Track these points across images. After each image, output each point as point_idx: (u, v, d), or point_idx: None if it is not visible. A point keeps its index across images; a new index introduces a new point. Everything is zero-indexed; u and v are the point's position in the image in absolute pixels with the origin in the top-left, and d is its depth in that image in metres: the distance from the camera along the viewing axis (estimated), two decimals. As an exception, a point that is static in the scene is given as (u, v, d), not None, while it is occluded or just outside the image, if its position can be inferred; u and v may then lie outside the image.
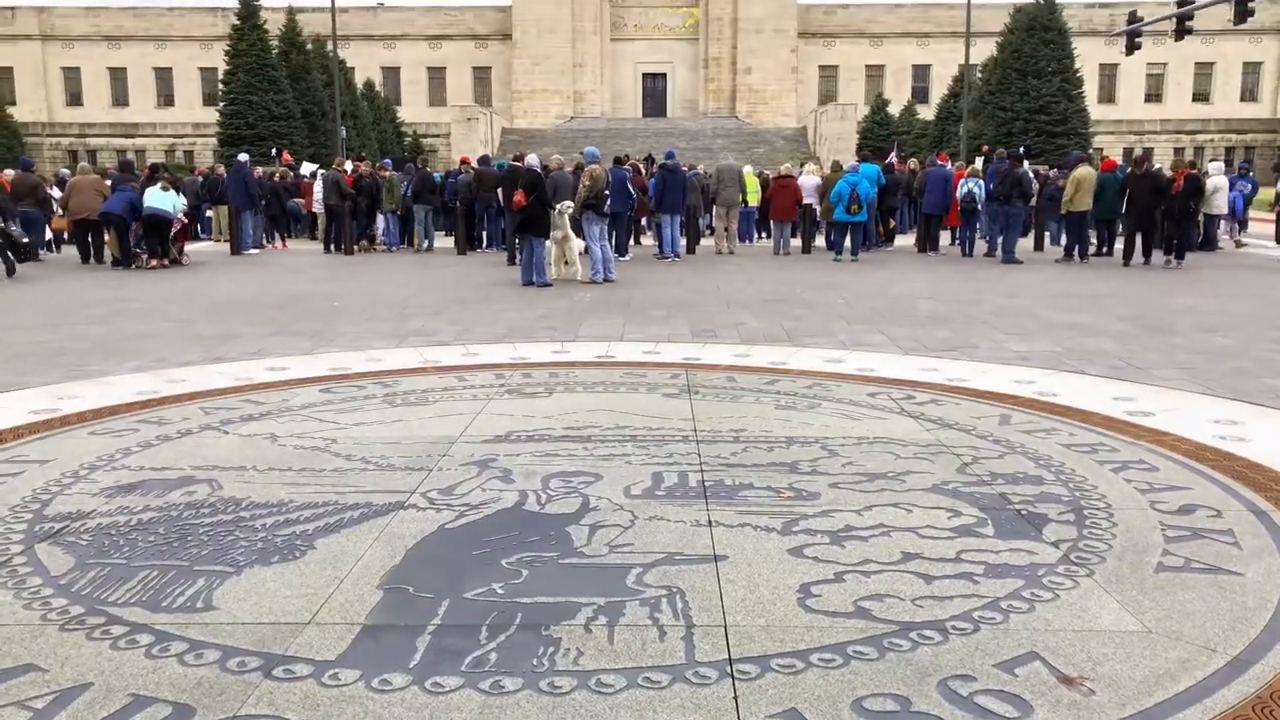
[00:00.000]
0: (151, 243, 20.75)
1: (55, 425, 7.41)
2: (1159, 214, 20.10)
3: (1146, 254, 20.14)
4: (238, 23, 53.87)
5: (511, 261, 20.53)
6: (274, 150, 43.69)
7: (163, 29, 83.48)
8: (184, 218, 21.64)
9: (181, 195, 22.04)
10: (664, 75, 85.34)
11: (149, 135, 78.27)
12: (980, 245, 23.63)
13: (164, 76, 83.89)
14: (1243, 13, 29.90)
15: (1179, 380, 9.07)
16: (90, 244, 22.16)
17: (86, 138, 78.49)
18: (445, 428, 7.19)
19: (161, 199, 20.40)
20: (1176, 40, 36.24)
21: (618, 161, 22.93)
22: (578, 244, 18.30)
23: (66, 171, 29.25)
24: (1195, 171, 21.24)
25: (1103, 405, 7.93)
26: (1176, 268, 19.45)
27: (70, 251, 24.03)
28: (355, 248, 24.63)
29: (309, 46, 57.39)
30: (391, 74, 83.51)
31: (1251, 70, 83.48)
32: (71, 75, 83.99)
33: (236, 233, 24.72)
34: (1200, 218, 22.13)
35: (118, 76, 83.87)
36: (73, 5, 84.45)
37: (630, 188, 21.77)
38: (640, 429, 7.12)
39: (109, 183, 22.46)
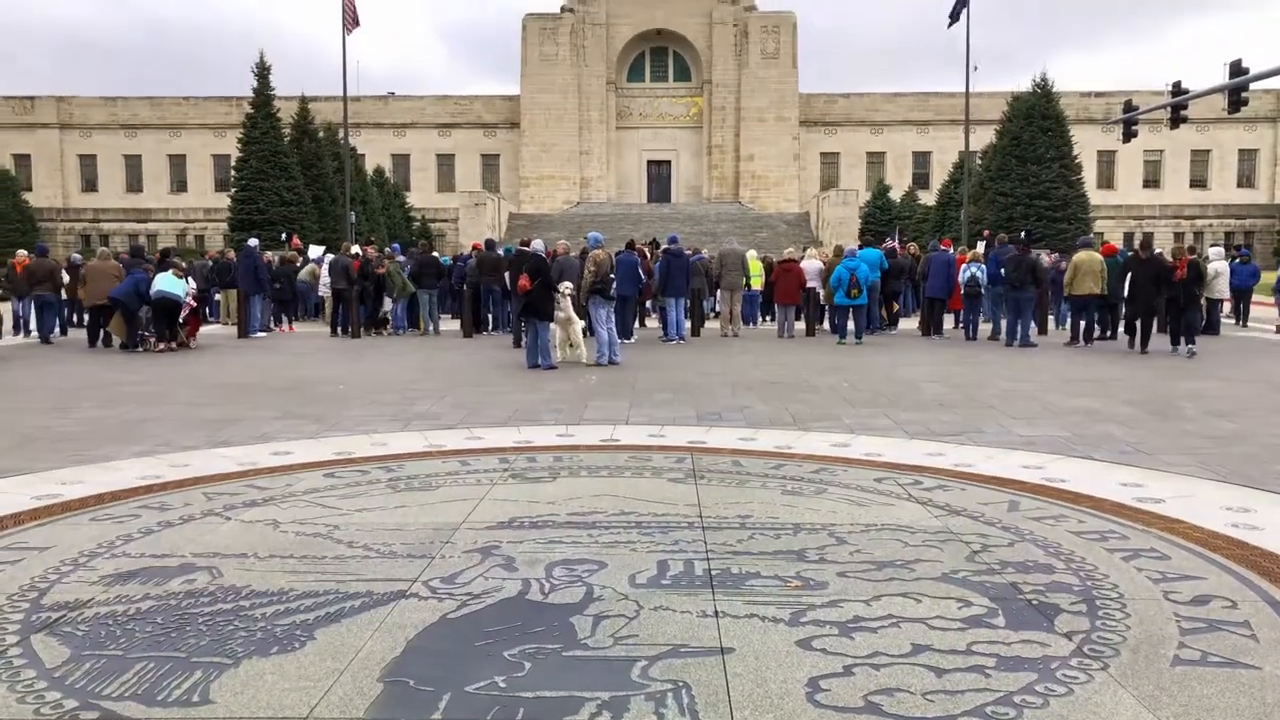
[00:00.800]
0: (160, 326, 20.91)
1: (57, 511, 7.36)
2: (1162, 301, 19.95)
3: (1145, 341, 19.61)
4: (251, 111, 54.99)
5: (517, 344, 20.63)
6: (284, 235, 44.26)
7: (178, 117, 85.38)
8: (192, 301, 21.85)
9: (190, 280, 22.31)
10: (668, 162, 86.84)
11: (161, 220, 79.50)
12: (984, 329, 23.73)
13: (178, 163, 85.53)
14: (1236, 102, 30.43)
15: (1188, 466, 9.00)
16: (101, 328, 22.35)
17: (100, 223, 79.74)
18: (448, 514, 7.12)
19: (172, 283, 20.63)
20: (1172, 128, 36.87)
21: (629, 246, 23.21)
22: (580, 324, 18.41)
23: (79, 256, 29.58)
24: (1196, 258, 21.05)
25: (1112, 491, 7.85)
26: (1192, 355, 18.85)
27: (79, 334, 24.21)
28: (362, 331, 24.78)
29: (321, 134, 58.51)
30: (401, 160, 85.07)
31: (1247, 157, 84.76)
32: (88, 162, 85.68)
33: (244, 316, 24.90)
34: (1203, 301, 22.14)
35: (132, 163, 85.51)
36: (91, 94, 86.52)
37: (639, 272, 22.00)
38: (645, 515, 7.05)
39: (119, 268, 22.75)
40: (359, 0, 47.12)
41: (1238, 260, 27.89)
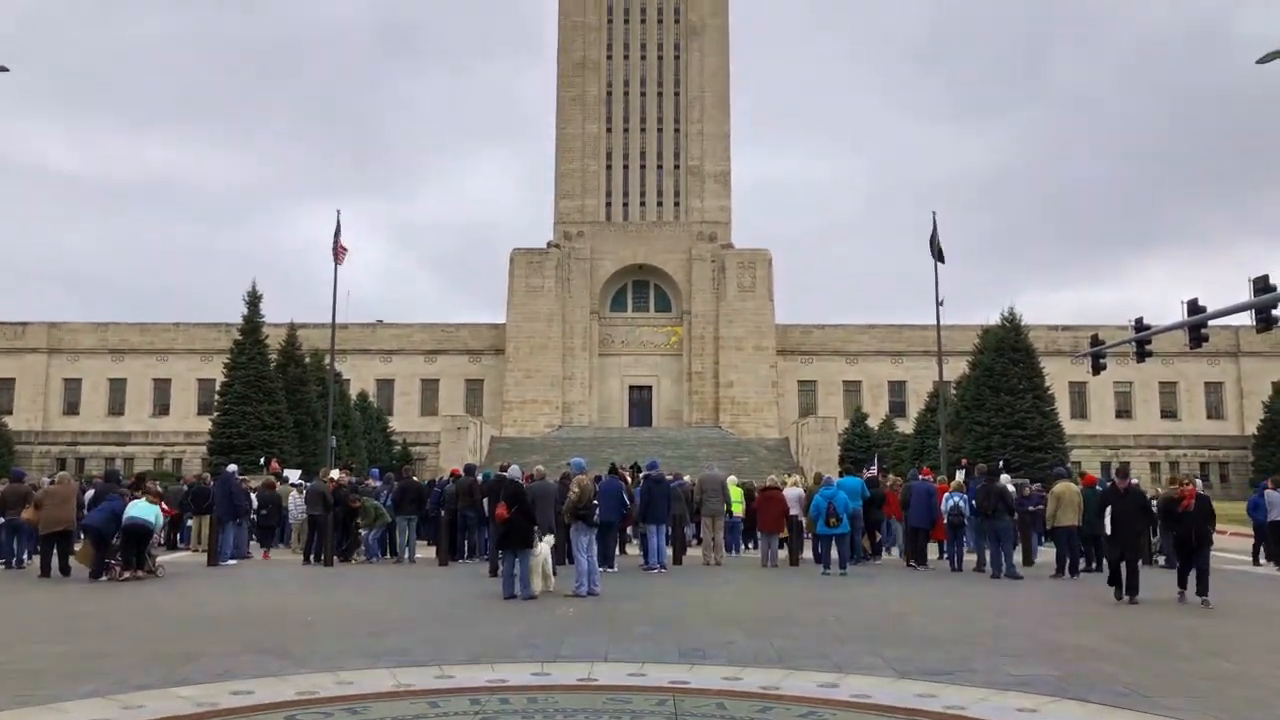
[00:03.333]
0: (129, 553, 20.35)
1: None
2: (1171, 540, 18.17)
3: (1134, 586, 16.71)
4: (240, 338, 56.12)
5: (494, 573, 20.11)
6: (263, 459, 44.09)
7: (166, 343, 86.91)
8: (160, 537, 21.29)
9: (163, 505, 21.90)
10: (649, 387, 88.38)
11: (141, 444, 79.28)
12: (969, 559, 23.43)
13: (162, 387, 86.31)
14: (1197, 338, 31.53)
15: (1188, 710, 8.63)
16: (57, 555, 21.32)
17: (78, 445, 79.42)
18: (414, 763, 6.67)
19: (145, 510, 20.27)
20: (1138, 362, 37.98)
21: (612, 471, 23.12)
22: (545, 551, 17.79)
23: (48, 479, 28.25)
24: (1204, 491, 18.33)
25: (1114, 738, 7.47)
26: (1206, 605, 16.07)
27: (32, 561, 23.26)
28: (335, 559, 24.19)
29: (307, 360, 59.53)
30: (386, 385, 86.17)
31: (1214, 389, 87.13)
32: (72, 386, 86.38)
33: (215, 543, 24.32)
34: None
35: (117, 387, 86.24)
36: (82, 320, 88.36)
37: (624, 497, 21.81)
38: (624, 765, 6.62)
39: (91, 492, 22.26)
40: (351, 233, 49.09)
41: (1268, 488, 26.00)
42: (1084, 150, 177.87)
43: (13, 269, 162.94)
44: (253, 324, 55.98)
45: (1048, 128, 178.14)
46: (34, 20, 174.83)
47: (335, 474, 27.75)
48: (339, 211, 47.49)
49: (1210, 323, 33.00)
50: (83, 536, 20.91)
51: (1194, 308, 31.90)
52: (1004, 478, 24.93)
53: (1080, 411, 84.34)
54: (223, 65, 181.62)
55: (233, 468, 27.61)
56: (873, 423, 73.52)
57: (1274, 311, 27.87)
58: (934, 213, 44.79)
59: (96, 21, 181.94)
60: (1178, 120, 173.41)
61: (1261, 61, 27.90)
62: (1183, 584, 16.85)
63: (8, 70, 34.75)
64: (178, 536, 28.95)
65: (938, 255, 45.01)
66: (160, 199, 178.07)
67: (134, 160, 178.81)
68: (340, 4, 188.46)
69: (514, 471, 18.48)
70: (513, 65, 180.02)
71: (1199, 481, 24.98)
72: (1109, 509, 17.24)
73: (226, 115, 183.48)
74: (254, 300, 56.52)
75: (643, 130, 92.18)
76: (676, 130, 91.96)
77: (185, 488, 29.52)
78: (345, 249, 48.00)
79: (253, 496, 27.11)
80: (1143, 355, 36.63)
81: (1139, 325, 36.36)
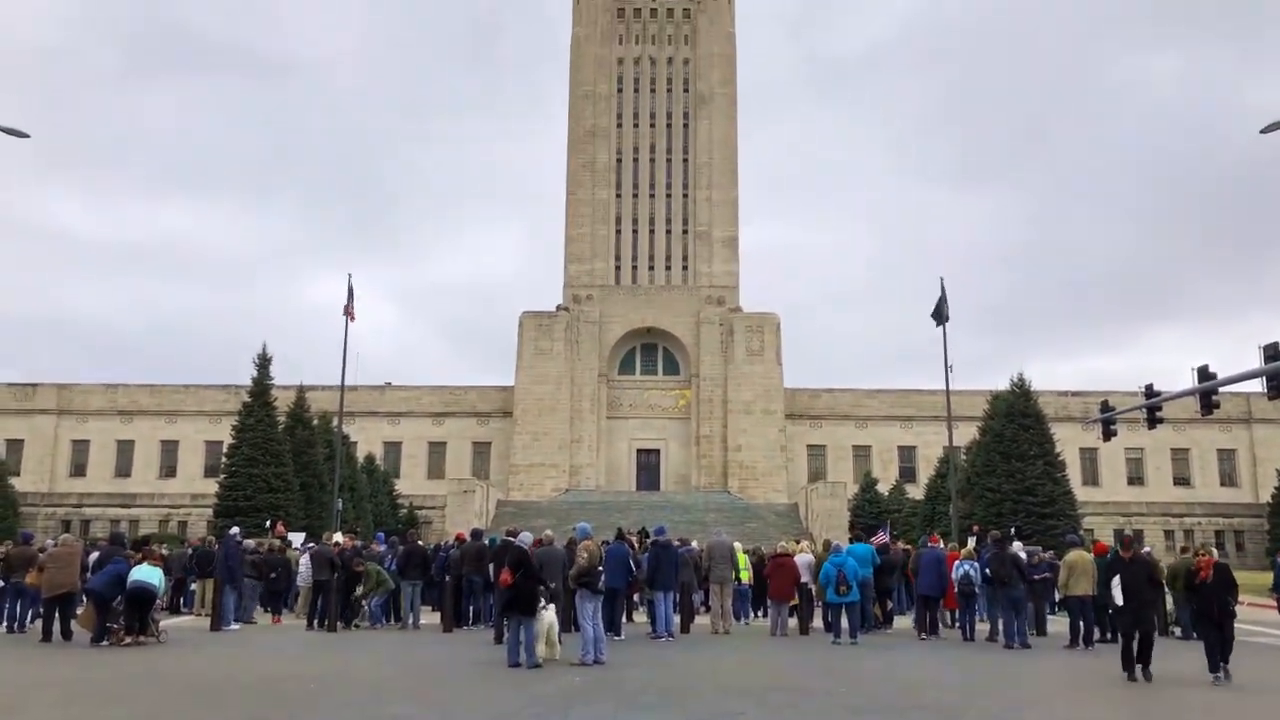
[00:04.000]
0: (132, 618, 20.14)
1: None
2: (1190, 612, 17.48)
3: (1146, 659, 15.99)
4: (249, 399, 56.18)
5: (499, 640, 19.84)
6: (268, 522, 43.87)
7: (175, 405, 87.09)
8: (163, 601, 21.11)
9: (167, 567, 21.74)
10: (657, 451, 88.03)
11: (146, 505, 79.08)
12: (981, 628, 23.05)
13: (169, 449, 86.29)
14: (1208, 405, 31.38)
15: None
16: (59, 619, 21.07)
17: (83, 507, 79.25)
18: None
19: (149, 574, 20.11)
20: (1149, 429, 37.77)
21: (619, 536, 22.90)
22: (551, 617, 17.57)
23: (51, 542, 27.99)
24: (1224, 560, 17.06)
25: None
26: (1225, 682, 15.35)
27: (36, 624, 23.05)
28: (339, 625, 23.92)
29: (315, 422, 59.50)
30: (393, 448, 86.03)
31: (1226, 456, 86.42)
32: (80, 447, 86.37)
33: (218, 607, 24.08)
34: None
35: (124, 449, 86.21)
36: (92, 382, 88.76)
37: (631, 563, 21.58)
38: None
39: (96, 555, 22.11)
40: (362, 297, 49.40)
41: None
42: (1091, 218, 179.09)
43: (27, 330, 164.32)
44: (262, 386, 56.05)
45: (1055, 197, 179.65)
46: (58, 87, 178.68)
47: (338, 538, 27.58)
48: (350, 275, 47.82)
49: (1221, 390, 32.86)
50: (85, 600, 20.71)
51: (1205, 374, 31.80)
52: (1015, 545, 24.66)
53: (1092, 478, 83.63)
54: (240, 132, 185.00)
55: (235, 530, 27.47)
56: (883, 488, 72.91)
57: (1285, 378, 27.74)
58: (941, 278, 44.99)
59: (117, 90, 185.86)
60: (1184, 189, 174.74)
61: (1265, 131, 28.18)
62: (1214, 665, 15.57)
63: (28, 136, 35.43)
64: (180, 600, 28.70)
65: (943, 317, 45.13)
66: (174, 262, 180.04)
67: (150, 224, 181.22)
68: (355, 75, 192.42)
69: (524, 538, 18.30)
70: (524, 133, 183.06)
71: (1215, 550, 24.77)
72: (1117, 578, 16.57)
73: (241, 181, 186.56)
74: (264, 363, 56.69)
75: (652, 196, 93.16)
76: (685, 196, 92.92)
77: (189, 551, 29.33)
78: (353, 309, 48.29)
79: (251, 559, 26.86)
80: (1154, 422, 36.43)
81: (1149, 392, 36.22)
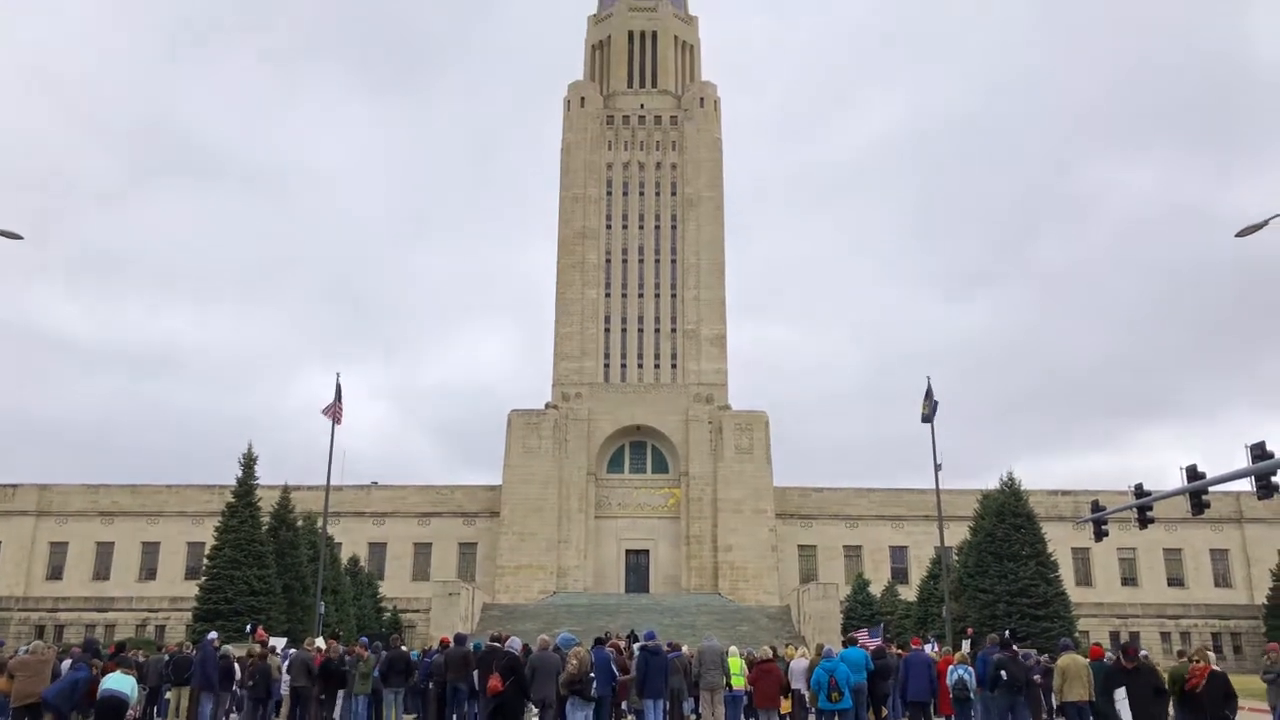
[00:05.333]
0: (102, 730, 19.41)
1: None
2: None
3: None
4: (233, 500, 55.44)
5: (483, 752, 19.21)
6: (249, 626, 42.82)
7: (158, 505, 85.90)
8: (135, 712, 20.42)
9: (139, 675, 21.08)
10: (646, 551, 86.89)
11: (124, 609, 77.39)
12: (979, 737, 22.46)
13: (150, 551, 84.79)
14: (1198, 505, 31.25)
15: None
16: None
17: (59, 612, 77.50)
18: None
19: (121, 682, 19.43)
20: (1141, 529, 37.50)
21: (599, 641, 22.41)
22: None
23: (23, 649, 27.10)
24: (1219, 669, 16.34)
25: None
26: None
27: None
28: (318, 734, 23.17)
29: (299, 523, 58.66)
30: (378, 549, 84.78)
31: (1220, 556, 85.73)
32: (58, 549, 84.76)
33: (194, 717, 23.32)
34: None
35: (103, 551, 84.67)
36: (74, 483, 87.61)
37: (613, 669, 21.05)
38: None
39: (68, 662, 21.44)
40: (351, 397, 49.32)
41: None
42: (1075, 320, 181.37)
43: (13, 430, 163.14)
44: (246, 486, 55.37)
45: (1039, 299, 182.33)
46: (61, 193, 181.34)
47: (320, 643, 26.92)
48: (339, 374, 47.83)
49: (1211, 489, 32.76)
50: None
51: (1193, 474, 31.75)
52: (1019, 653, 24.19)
53: (1085, 579, 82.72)
54: (239, 237, 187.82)
55: (213, 635, 26.78)
56: (875, 589, 71.93)
57: (1274, 478, 27.71)
58: (928, 377, 45.28)
59: (119, 197, 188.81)
60: (1166, 292, 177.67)
61: (1241, 235, 28.73)
62: None
63: (21, 238, 35.70)
64: (155, 710, 27.80)
65: (930, 414, 45.16)
66: (169, 363, 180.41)
67: (147, 326, 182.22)
68: (354, 182, 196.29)
69: (513, 643, 17.88)
70: (516, 234, 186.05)
71: (1212, 654, 24.28)
72: (1122, 690, 15.71)
73: (240, 284, 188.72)
74: (249, 462, 56.12)
75: (640, 295, 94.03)
76: (673, 295, 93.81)
77: (166, 657, 28.52)
78: (340, 408, 48.09)
79: (236, 667, 26.15)
80: (1145, 522, 36.21)
81: (1139, 491, 36.09)
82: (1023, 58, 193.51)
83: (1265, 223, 29.98)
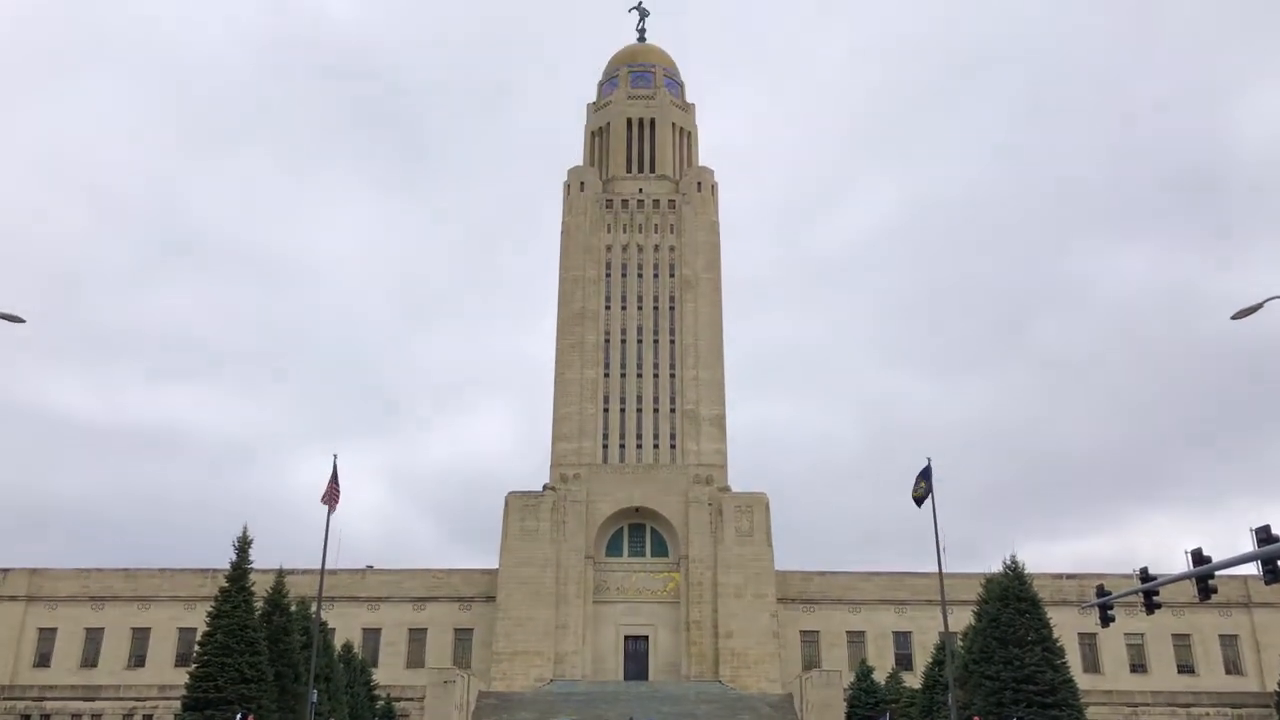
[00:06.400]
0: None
1: None
2: None
3: None
4: (226, 584, 54.62)
5: None
6: (239, 716, 41.87)
7: (150, 590, 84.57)
8: None
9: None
10: (646, 637, 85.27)
11: (112, 698, 75.82)
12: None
13: (140, 636, 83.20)
14: (1205, 590, 30.78)
15: None
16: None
17: (45, 701, 75.93)
18: None
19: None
20: (1148, 614, 36.92)
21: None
22: None
23: None
24: None
25: None
26: None
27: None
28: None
29: (293, 608, 57.71)
30: (372, 635, 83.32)
31: (1229, 642, 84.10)
32: (46, 636, 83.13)
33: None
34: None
35: (93, 637, 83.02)
36: (65, 566, 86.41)
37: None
38: None
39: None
40: (349, 478, 49.01)
41: None
42: (1075, 402, 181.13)
43: (10, 511, 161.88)
44: (240, 570, 54.57)
45: (1038, 380, 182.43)
46: (68, 278, 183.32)
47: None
48: (335, 456, 47.56)
49: (1218, 573, 32.30)
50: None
51: (1199, 558, 31.34)
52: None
53: (1093, 665, 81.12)
54: (240, 324, 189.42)
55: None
56: (879, 676, 70.45)
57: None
58: (929, 458, 45.06)
59: (127, 284, 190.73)
60: (1163, 374, 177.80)
61: (1237, 317, 28.84)
62: None
63: (23, 321, 35.83)
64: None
65: (928, 495, 44.80)
66: (168, 445, 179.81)
67: (148, 408, 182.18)
68: (357, 268, 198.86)
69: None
70: (515, 316, 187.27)
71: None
72: None
73: (241, 367, 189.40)
74: (243, 546, 55.42)
75: (639, 375, 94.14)
76: (672, 375, 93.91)
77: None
78: (336, 490, 47.71)
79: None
80: (1151, 607, 35.64)
81: (1144, 575, 35.60)
82: (1017, 140, 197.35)
83: (1261, 305, 30.13)
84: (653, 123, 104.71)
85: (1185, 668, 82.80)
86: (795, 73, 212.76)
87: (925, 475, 45.22)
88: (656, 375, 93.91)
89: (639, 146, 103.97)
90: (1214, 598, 33.16)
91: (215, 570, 70.16)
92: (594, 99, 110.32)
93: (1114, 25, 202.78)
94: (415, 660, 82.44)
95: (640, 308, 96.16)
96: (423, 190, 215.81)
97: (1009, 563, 55.57)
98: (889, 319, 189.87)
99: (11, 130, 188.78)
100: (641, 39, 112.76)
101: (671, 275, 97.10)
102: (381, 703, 67.97)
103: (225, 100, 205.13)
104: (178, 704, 55.29)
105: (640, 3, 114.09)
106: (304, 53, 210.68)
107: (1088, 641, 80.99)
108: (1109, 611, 38.52)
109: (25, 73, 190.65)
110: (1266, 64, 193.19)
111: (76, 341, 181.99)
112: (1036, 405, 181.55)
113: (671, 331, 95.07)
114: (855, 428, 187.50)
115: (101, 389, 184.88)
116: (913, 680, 68.16)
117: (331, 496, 47.91)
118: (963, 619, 60.14)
